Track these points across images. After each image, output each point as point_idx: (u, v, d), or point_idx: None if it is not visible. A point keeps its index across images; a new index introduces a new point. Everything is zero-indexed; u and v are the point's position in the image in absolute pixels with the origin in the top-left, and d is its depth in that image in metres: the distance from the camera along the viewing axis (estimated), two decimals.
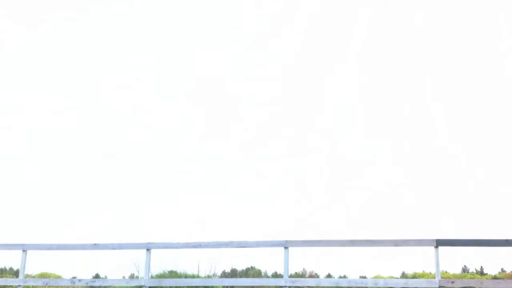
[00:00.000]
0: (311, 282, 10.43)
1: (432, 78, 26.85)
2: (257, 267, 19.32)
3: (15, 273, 16.13)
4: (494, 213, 22.17)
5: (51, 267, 15.67)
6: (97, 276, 12.78)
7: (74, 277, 11.68)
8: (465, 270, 19.76)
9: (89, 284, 10.81)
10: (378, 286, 9.65)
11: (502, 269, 19.30)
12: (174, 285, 10.92)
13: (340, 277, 14.43)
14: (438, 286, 9.21)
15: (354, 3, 26.94)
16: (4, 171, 24.82)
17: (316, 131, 27.37)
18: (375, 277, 13.42)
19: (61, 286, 11.50)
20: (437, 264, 9.31)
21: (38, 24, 27.23)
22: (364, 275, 14.67)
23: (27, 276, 12.18)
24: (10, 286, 12.36)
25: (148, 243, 10.89)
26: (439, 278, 9.30)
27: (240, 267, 19.18)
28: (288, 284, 9.75)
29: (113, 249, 11.06)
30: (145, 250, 10.88)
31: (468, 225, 20.53)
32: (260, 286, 12.09)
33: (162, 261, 12.51)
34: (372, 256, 11.14)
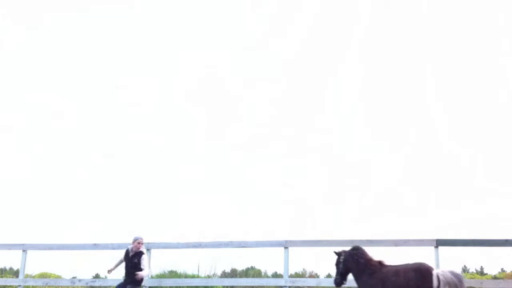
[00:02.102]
0: (311, 282, 10.42)
1: (433, 78, 26.86)
2: (257, 267, 19.29)
3: (15, 273, 16.12)
4: (494, 213, 22.19)
5: (51, 267, 15.66)
6: (97, 276, 12.78)
7: (74, 277, 11.68)
8: (465, 270, 19.75)
9: (89, 284, 10.80)
10: None
11: (502, 269, 19.29)
12: (174, 285, 10.91)
13: None
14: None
15: (355, 3, 26.95)
16: (4, 171, 24.82)
17: (316, 131, 27.39)
18: None
19: (61, 286, 11.49)
20: (437, 264, 9.30)
21: (38, 24, 27.24)
22: None
23: (27, 276, 12.17)
24: (10, 286, 12.35)
25: (148, 243, 10.88)
26: None
27: (240, 267, 19.17)
28: (288, 284, 9.74)
29: (113, 249, 11.04)
30: (145, 250, 10.88)
31: (468, 225, 20.55)
32: (260, 286, 12.06)
33: (162, 261, 12.51)
34: (372, 256, 11.11)
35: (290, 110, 28.75)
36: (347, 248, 7.86)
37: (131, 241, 9.29)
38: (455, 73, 26.72)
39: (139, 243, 9.04)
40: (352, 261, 7.47)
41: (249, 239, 10.43)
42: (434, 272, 6.64)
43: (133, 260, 9.04)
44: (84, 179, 26.50)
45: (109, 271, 9.30)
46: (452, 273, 6.63)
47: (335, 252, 7.85)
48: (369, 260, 7.37)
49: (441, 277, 6.57)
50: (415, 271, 6.71)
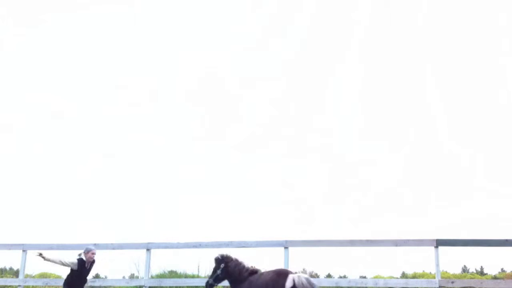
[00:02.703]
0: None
1: (433, 78, 26.86)
2: (257, 267, 19.24)
3: (15, 273, 16.13)
4: (494, 213, 22.19)
5: (51, 267, 15.64)
6: (97, 276, 12.75)
7: None
8: (465, 270, 19.74)
9: (89, 284, 10.80)
10: (378, 286, 9.65)
11: (502, 269, 19.28)
12: (174, 285, 10.91)
13: (340, 277, 14.39)
14: (438, 286, 9.21)
15: (355, 3, 26.95)
16: (4, 171, 24.83)
17: (316, 131, 27.40)
18: (375, 277, 13.42)
19: (61, 286, 11.47)
20: (437, 264, 9.31)
21: (38, 24, 27.24)
22: (364, 275, 14.64)
23: (27, 276, 12.17)
24: (10, 286, 12.35)
25: (148, 243, 10.89)
26: (439, 278, 9.30)
27: None
28: None
29: (113, 249, 11.06)
30: (145, 250, 10.88)
31: (468, 225, 20.56)
32: None
33: (162, 261, 12.50)
34: (372, 256, 11.14)
35: (290, 110, 28.78)
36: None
37: (83, 252, 9.28)
38: (455, 73, 26.73)
39: (93, 253, 9.22)
40: (231, 268, 7.95)
41: (249, 239, 10.44)
42: (290, 276, 7.09)
43: (90, 269, 9.39)
44: (84, 179, 26.52)
45: (40, 254, 9.17)
46: (307, 279, 7.07)
47: (215, 260, 8.21)
48: (243, 268, 7.91)
49: (296, 280, 6.99)
50: (274, 274, 7.27)
